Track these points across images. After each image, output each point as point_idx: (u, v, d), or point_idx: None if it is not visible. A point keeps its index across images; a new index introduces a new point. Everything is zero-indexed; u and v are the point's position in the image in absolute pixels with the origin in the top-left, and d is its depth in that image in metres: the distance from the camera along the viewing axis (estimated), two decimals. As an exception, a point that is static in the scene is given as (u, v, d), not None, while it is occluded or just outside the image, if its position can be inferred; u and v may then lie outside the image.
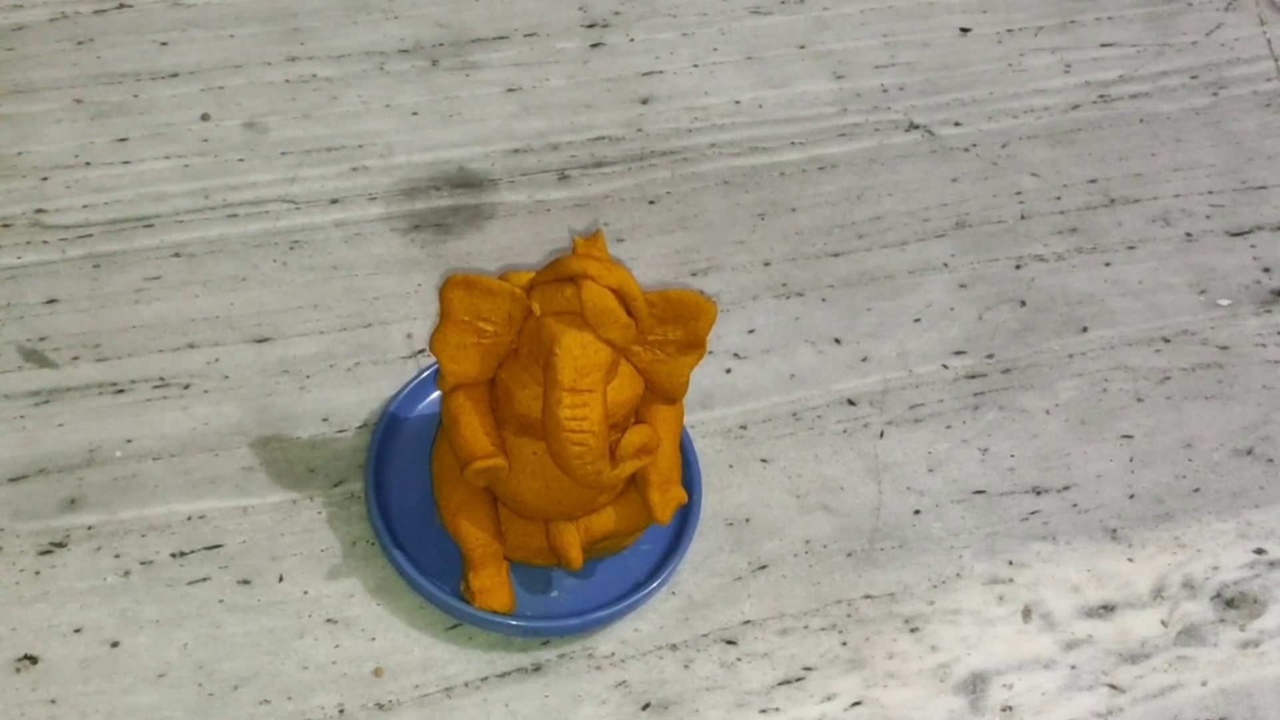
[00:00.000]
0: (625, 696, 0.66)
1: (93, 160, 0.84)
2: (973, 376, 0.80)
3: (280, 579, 0.68)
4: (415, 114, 0.89)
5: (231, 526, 0.70)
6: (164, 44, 0.91)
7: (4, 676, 0.64)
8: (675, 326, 0.61)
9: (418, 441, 0.72)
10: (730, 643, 0.69)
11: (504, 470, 0.63)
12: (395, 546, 0.67)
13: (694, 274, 0.83)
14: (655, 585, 0.68)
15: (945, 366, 0.81)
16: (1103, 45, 1.00)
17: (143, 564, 0.68)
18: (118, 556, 0.69)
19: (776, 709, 0.67)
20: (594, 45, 0.95)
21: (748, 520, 0.73)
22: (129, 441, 0.73)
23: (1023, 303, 0.84)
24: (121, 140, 0.85)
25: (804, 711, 0.67)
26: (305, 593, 0.68)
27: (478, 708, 0.65)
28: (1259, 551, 0.75)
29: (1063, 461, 0.77)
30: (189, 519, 0.70)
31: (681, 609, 0.70)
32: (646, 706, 0.66)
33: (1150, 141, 0.95)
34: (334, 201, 0.84)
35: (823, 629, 0.70)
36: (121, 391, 0.74)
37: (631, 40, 0.96)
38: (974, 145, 0.93)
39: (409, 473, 0.71)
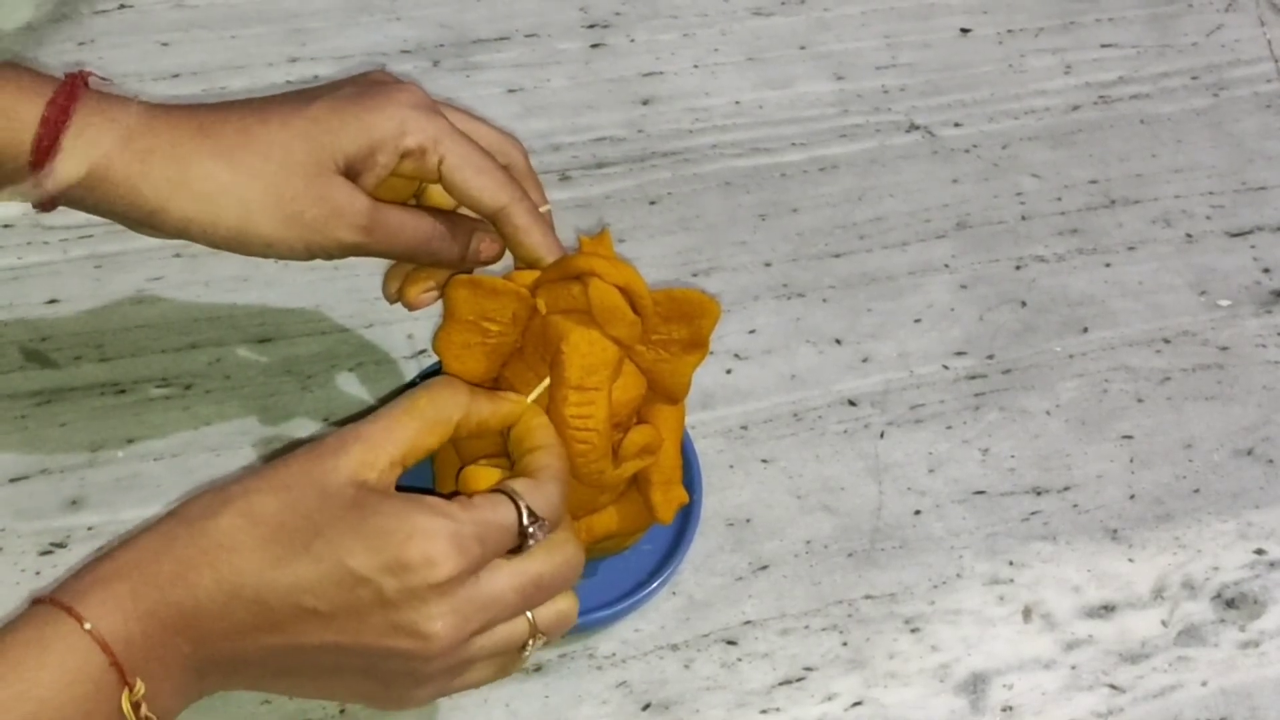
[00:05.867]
0: (626, 696, 0.67)
1: (95, 160, 0.84)
2: (973, 377, 0.81)
3: (282, 579, 0.68)
4: (417, 114, 0.89)
5: (233, 526, 0.70)
6: (165, 44, 0.91)
7: (6, 676, 0.64)
8: (679, 325, 0.61)
9: (419, 441, 0.72)
10: (731, 643, 0.69)
11: (507, 470, 0.63)
12: (397, 546, 0.67)
13: (695, 274, 0.83)
14: (656, 585, 0.68)
15: (946, 367, 0.81)
16: (1103, 46, 1.01)
17: (145, 563, 0.68)
18: (120, 556, 0.69)
19: (777, 709, 0.67)
20: (595, 46, 0.95)
21: (748, 520, 0.73)
22: (131, 441, 0.73)
23: (1023, 303, 0.85)
24: (123, 140, 0.85)
25: (804, 711, 0.67)
26: (307, 592, 0.68)
27: (478, 708, 0.66)
28: (1259, 552, 0.75)
29: (1063, 462, 0.77)
30: (191, 519, 0.70)
31: (682, 609, 0.70)
32: (647, 707, 0.66)
33: (1151, 142, 0.95)
34: (335, 202, 0.84)
35: (823, 629, 0.70)
36: (123, 391, 0.74)
37: (632, 41, 0.96)
38: (975, 146, 0.93)
39: (411, 473, 0.71)
